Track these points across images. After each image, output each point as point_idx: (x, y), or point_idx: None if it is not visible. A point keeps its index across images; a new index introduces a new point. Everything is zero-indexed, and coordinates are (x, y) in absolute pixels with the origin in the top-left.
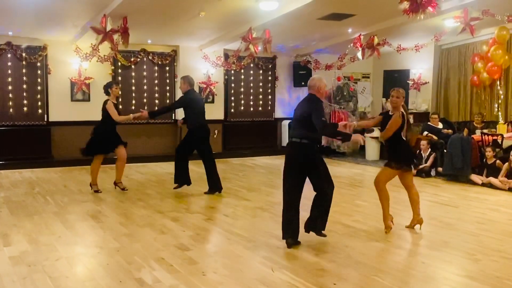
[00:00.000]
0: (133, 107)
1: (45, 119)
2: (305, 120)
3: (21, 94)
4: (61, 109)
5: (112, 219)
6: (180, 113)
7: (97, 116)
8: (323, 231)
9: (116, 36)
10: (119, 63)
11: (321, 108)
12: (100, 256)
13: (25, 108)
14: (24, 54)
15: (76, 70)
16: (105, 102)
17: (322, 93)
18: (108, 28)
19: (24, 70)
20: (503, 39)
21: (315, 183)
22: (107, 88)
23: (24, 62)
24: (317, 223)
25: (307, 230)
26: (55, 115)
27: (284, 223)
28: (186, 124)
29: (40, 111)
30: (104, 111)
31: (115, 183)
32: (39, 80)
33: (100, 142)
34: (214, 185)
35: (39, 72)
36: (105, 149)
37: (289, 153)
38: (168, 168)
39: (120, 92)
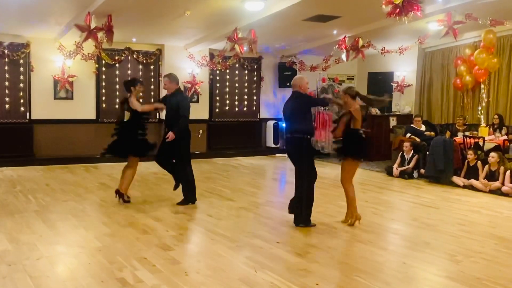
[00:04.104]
0: (116, 106)
1: (28, 117)
2: (294, 115)
3: (3, 92)
4: (43, 107)
5: (94, 219)
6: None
7: (80, 115)
8: (300, 225)
9: (100, 34)
10: (103, 62)
11: (308, 97)
12: (82, 256)
13: (7, 106)
14: (6, 51)
15: (59, 68)
16: (127, 99)
17: (304, 89)
18: (92, 26)
19: (6, 67)
20: (489, 42)
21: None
22: (130, 85)
23: (6, 59)
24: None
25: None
26: (37, 113)
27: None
28: (171, 127)
29: (22, 108)
30: (129, 107)
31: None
32: (21, 77)
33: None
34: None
35: (21, 69)
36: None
37: (286, 147)
38: (152, 167)
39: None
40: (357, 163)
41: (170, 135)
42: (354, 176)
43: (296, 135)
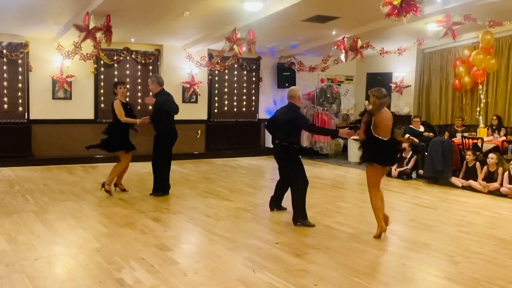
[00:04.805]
0: None
1: (26, 117)
2: (286, 127)
3: (2, 92)
4: (42, 107)
5: (92, 219)
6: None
7: (79, 115)
8: (298, 223)
9: (99, 34)
10: (102, 62)
11: (302, 115)
12: (80, 256)
13: (5, 106)
14: (5, 51)
15: (58, 68)
16: (113, 102)
17: (299, 102)
18: (91, 26)
19: (5, 67)
20: (487, 44)
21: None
22: (113, 88)
23: (5, 59)
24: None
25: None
26: (36, 113)
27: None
28: (157, 128)
29: (20, 108)
30: (113, 111)
31: (115, 185)
32: (20, 77)
33: (123, 139)
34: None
35: (20, 69)
36: (128, 146)
37: (274, 152)
38: (149, 167)
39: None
40: (377, 169)
41: (146, 119)
42: (378, 183)
43: (284, 143)
